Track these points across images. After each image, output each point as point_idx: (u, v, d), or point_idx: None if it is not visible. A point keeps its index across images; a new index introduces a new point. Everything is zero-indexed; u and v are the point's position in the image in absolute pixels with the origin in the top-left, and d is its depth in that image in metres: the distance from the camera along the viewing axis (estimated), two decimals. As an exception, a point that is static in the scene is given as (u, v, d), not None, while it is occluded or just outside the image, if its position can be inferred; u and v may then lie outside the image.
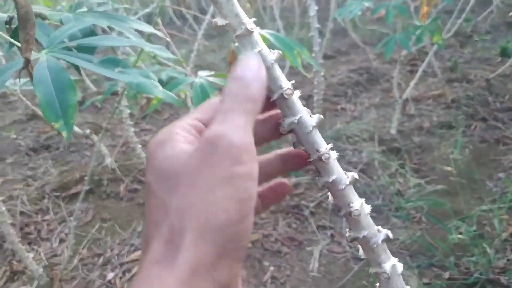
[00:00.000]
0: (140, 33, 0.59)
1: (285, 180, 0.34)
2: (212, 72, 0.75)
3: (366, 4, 1.49)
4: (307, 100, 2.14)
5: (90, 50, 0.52)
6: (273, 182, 0.34)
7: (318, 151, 0.30)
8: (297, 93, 0.29)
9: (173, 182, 0.25)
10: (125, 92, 1.22)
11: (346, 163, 1.59)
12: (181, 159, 0.25)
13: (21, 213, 1.50)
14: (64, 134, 0.39)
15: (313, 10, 1.49)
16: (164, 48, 0.51)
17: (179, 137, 0.26)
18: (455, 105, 2.01)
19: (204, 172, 0.24)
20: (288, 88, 0.29)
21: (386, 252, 0.31)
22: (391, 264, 0.31)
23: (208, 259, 0.23)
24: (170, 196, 0.25)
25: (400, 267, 0.31)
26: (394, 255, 0.37)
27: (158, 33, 0.59)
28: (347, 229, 0.32)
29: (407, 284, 0.31)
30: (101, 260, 1.29)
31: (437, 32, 1.42)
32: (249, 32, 0.28)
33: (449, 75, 2.36)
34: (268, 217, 1.38)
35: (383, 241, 0.31)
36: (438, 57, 2.61)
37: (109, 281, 1.20)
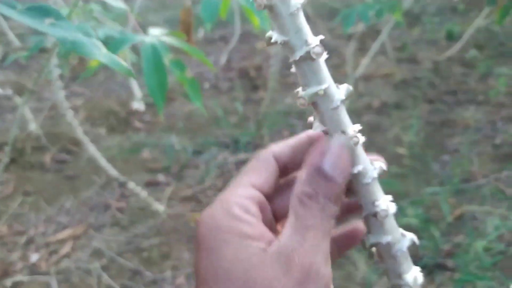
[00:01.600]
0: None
1: (358, 224, 0.30)
2: (166, 31, 0.63)
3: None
4: (257, 71, 2.04)
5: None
6: (347, 227, 0.31)
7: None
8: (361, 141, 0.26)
9: None
10: (56, 49, 1.05)
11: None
12: (258, 269, 0.22)
13: None
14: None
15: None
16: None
17: (243, 226, 0.23)
18: (403, 85, 2.01)
19: None
20: (354, 136, 0.25)
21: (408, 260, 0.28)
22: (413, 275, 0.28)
23: None
24: None
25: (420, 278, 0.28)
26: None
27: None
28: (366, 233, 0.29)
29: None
30: (23, 239, 1.14)
31: (397, 9, 1.38)
32: (315, 57, 0.22)
33: (398, 54, 2.36)
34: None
35: (408, 247, 0.28)
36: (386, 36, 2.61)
37: (33, 263, 1.06)
